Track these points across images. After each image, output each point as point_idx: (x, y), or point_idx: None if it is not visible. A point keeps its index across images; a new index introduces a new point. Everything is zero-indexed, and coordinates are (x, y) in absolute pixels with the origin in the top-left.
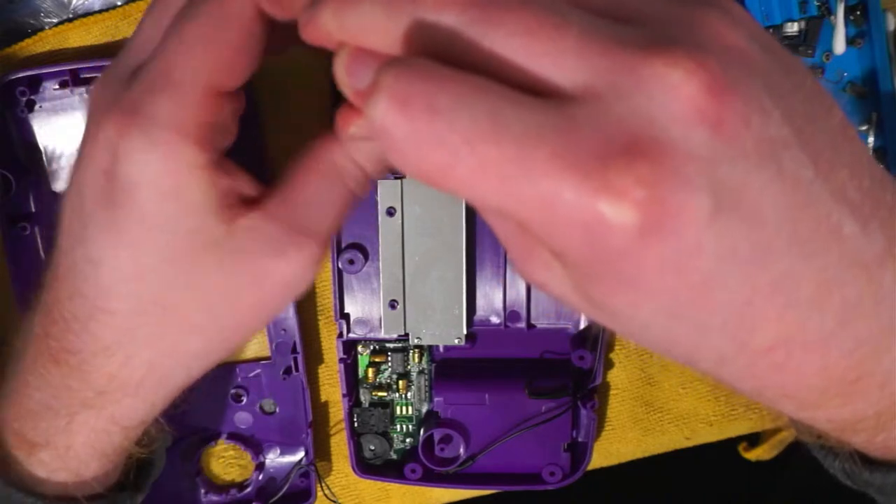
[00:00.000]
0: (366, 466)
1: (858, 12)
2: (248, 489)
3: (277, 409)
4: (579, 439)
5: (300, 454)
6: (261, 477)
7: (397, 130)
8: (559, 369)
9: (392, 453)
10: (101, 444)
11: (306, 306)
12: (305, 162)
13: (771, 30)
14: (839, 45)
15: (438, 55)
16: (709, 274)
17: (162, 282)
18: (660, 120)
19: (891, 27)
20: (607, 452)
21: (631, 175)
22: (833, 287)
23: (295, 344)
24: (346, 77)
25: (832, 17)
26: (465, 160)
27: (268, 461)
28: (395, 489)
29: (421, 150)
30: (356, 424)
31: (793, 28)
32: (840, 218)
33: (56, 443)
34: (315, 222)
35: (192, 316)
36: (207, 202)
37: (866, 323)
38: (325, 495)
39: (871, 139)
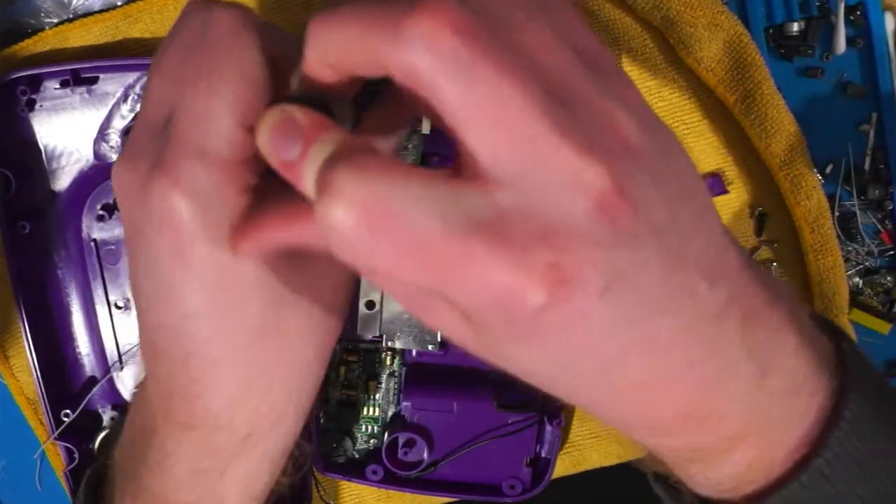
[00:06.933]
0: (328, 463)
1: (858, 12)
2: None
3: None
4: (542, 454)
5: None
6: None
7: (352, 234)
8: (529, 384)
9: (354, 453)
10: (252, 486)
11: None
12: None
13: (771, 30)
14: (839, 45)
15: (409, 88)
16: (594, 334)
17: (255, 306)
18: (572, 213)
19: (890, 27)
20: (607, 452)
21: (547, 263)
22: (684, 336)
23: None
24: (271, 149)
25: (832, 17)
26: (415, 258)
27: None
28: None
29: (373, 252)
30: (322, 421)
31: (793, 28)
32: (695, 280)
33: (208, 498)
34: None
35: (296, 324)
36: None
37: (715, 364)
38: (321, 496)
39: (870, 139)
